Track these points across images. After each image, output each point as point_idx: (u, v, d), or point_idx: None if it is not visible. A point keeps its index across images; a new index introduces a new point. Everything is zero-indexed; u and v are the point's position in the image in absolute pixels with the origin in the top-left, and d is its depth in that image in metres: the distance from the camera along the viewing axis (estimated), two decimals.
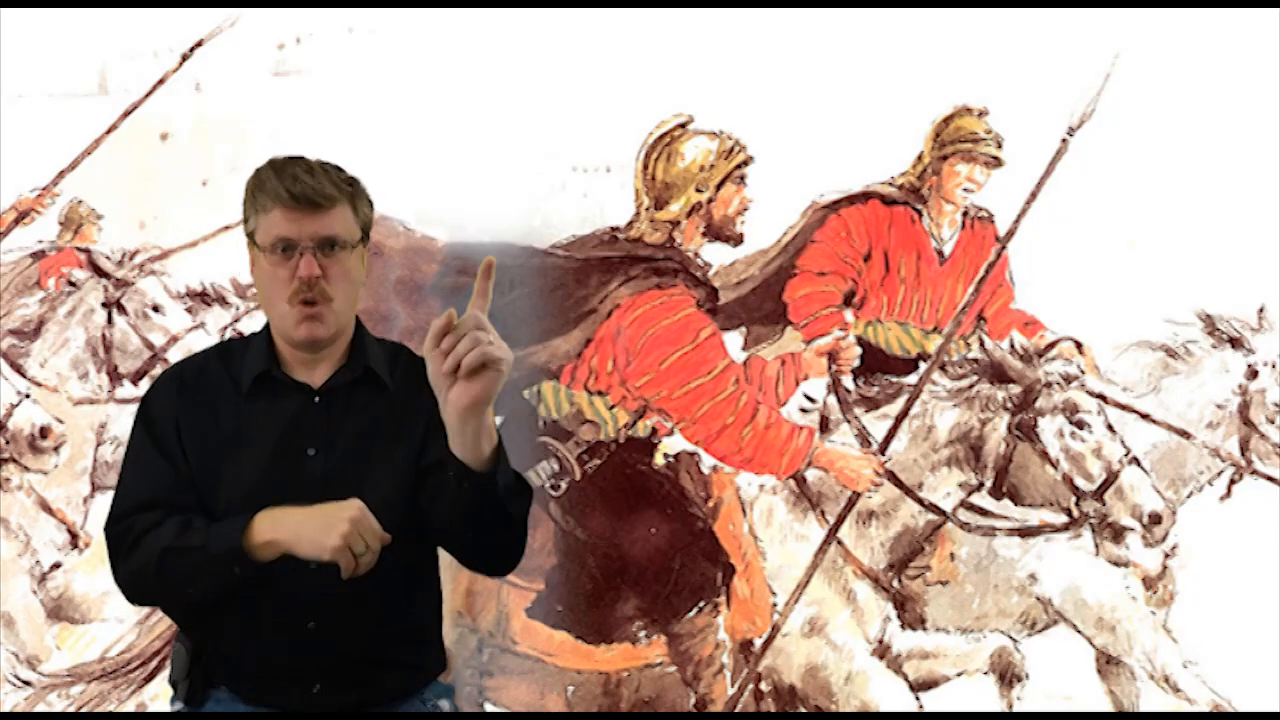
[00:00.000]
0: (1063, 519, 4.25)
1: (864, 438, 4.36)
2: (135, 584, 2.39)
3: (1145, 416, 4.39)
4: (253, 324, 4.72)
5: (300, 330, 2.35)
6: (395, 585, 2.39)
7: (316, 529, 2.23)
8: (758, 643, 4.36)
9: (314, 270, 2.32)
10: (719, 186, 4.30)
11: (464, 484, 2.19)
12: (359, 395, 2.40)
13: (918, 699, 4.35)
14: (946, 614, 4.50)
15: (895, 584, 4.42)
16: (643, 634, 4.34)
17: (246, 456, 2.35)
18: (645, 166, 4.33)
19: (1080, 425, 4.18)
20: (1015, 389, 4.24)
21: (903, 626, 4.43)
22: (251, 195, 2.38)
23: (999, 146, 4.45)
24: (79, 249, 4.92)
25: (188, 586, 2.32)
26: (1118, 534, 4.17)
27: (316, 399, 2.38)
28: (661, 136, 4.32)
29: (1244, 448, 4.41)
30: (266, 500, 2.32)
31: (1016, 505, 4.31)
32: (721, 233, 4.35)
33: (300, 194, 2.32)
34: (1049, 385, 4.21)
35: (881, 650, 4.38)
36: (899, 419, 4.32)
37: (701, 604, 4.32)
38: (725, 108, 4.31)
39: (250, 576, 2.28)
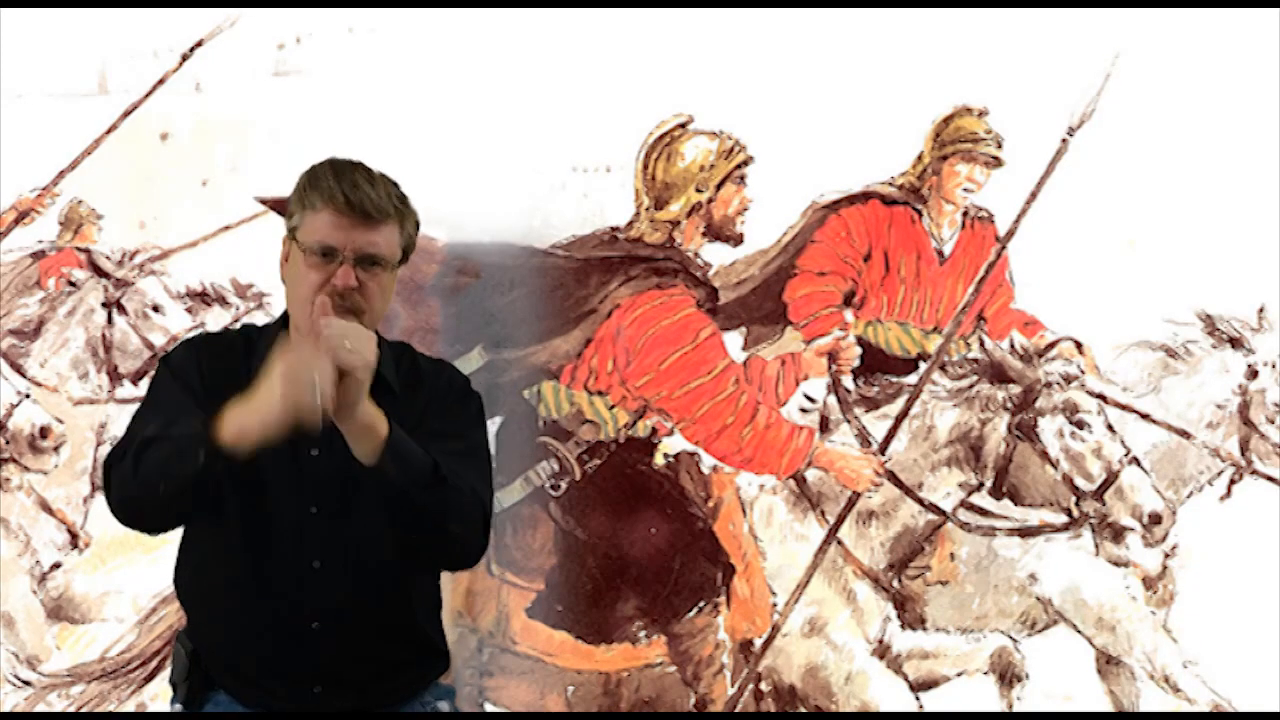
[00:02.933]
0: (1063, 519, 4.25)
1: (864, 438, 4.36)
2: (117, 487, 2.30)
3: (1145, 416, 4.39)
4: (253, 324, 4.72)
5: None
6: (400, 587, 2.39)
7: (260, 396, 2.13)
8: (758, 643, 4.36)
9: (351, 281, 2.27)
10: (719, 186, 4.30)
11: (361, 474, 2.21)
12: (373, 403, 2.38)
13: (918, 699, 4.35)
14: (946, 614, 4.50)
15: (895, 584, 4.42)
16: (643, 634, 4.34)
17: (251, 454, 2.30)
18: (645, 166, 4.33)
19: (1080, 425, 4.18)
20: (1015, 389, 4.24)
21: (903, 626, 4.43)
22: (302, 190, 2.32)
23: (999, 146, 4.45)
24: (79, 249, 4.92)
25: (158, 477, 2.22)
26: (1118, 534, 4.17)
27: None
28: (661, 136, 4.32)
29: (1244, 448, 4.41)
30: (270, 499, 2.32)
31: (1016, 505, 4.31)
32: (721, 233, 4.35)
33: (356, 202, 2.27)
34: (1049, 385, 4.21)
35: (881, 650, 4.38)
36: (899, 419, 4.32)
37: (701, 604, 4.32)
38: (725, 108, 4.31)
39: (214, 467, 2.17)
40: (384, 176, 2.35)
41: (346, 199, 2.27)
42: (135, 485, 2.27)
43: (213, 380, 2.34)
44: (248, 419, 2.15)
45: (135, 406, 2.49)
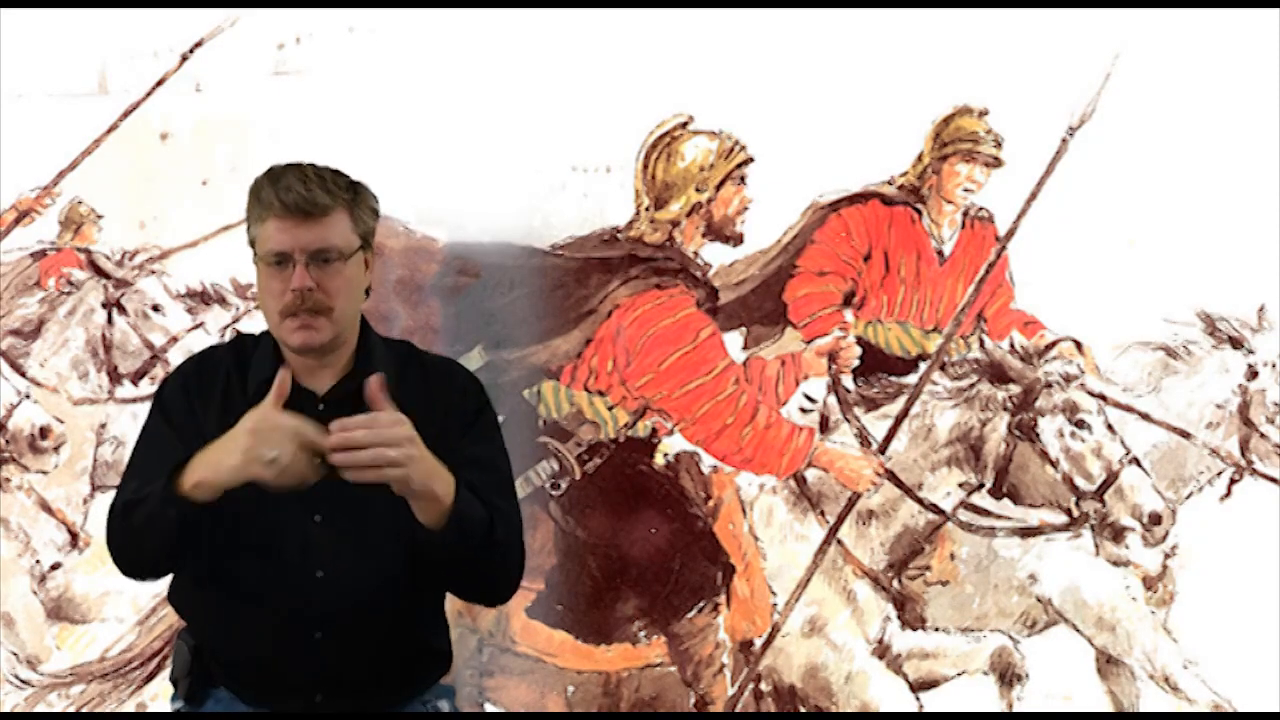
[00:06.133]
0: (1063, 519, 4.26)
1: (864, 438, 4.36)
2: (114, 548, 2.36)
3: (1145, 416, 4.39)
4: (253, 324, 4.72)
5: (295, 337, 2.32)
6: (403, 597, 2.38)
7: (223, 452, 2.16)
8: (758, 643, 4.36)
9: (306, 282, 2.28)
10: (719, 186, 4.30)
11: (418, 534, 2.23)
12: (364, 404, 2.37)
13: (918, 699, 4.35)
14: (946, 614, 4.50)
15: (895, 584, 4.42)
16: (643, 634, 4.34)
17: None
18: (645, 166, 4.34)
19: (1080, 425, 4.19)
20: (1015, 389, 4.24)
21: (903, 626, 4.43)
22: (250, 206, 2.34)
23: (999, 146, 4.45)
24: (79, 249, 4.92)
25: (143, 538, 2.28)
26: (1118, 534, 4.17)
27: (320, 407, 2.34)
28: (661, 136, 4.33)
29: (1244, 448, 4.41)
30: (271, 508, 2.31)
31: (1016, 505, 4.31)
32: (721, 233, 4.35)
33: (293, 204, 2.28)
34: (1049, 385, 4.21)
35: (881, 650, 4.39)
36: (899, 419, 4.32)
37: (701, 604, 4.32)
38: (725, 108, 4.31)
39: (191, 519, 2.20)
40: (322, 170, 2.35)
41: (282, 202, 2.28)
42: (130, 548, 2.34)
43: (204, 408, 2.37)
44: (205, 474, 2.18)
45: (135, 407, 2.50)
